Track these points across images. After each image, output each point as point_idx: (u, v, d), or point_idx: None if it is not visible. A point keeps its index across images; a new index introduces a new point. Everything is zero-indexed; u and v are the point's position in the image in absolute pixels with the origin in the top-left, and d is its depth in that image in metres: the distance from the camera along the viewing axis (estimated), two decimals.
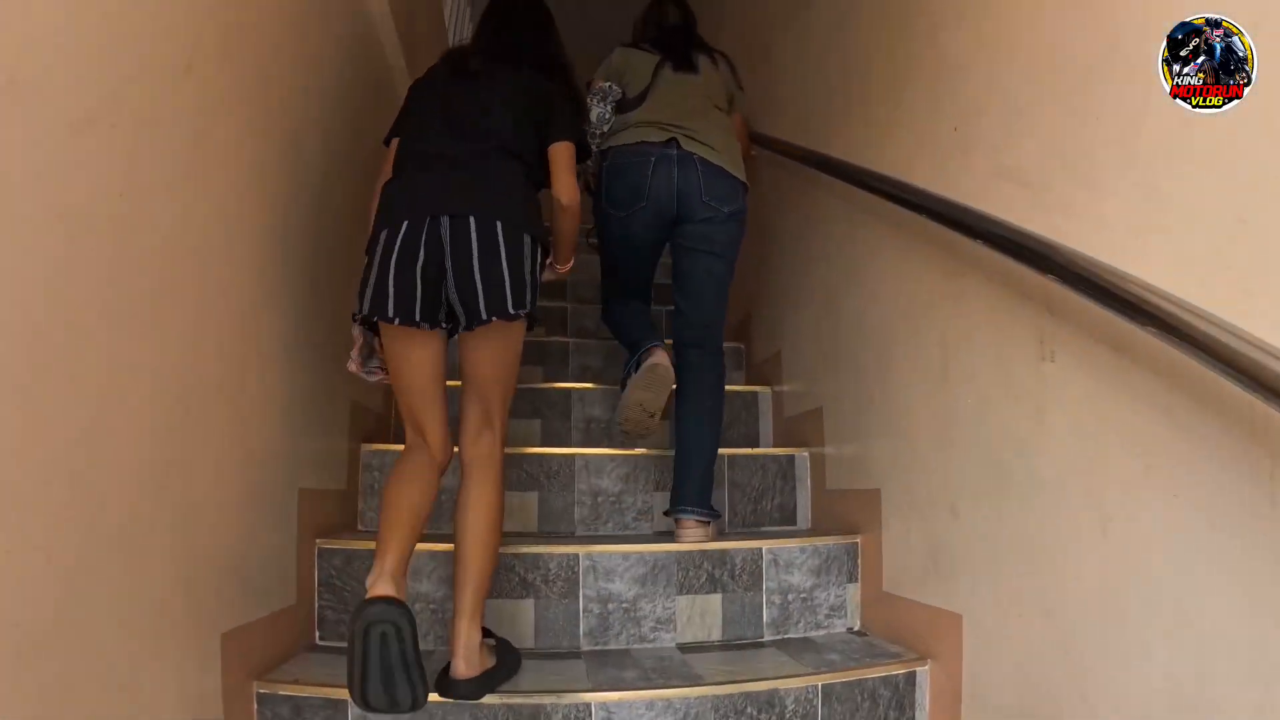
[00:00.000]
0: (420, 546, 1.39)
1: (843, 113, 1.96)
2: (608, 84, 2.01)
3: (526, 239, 1.43)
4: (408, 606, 1.21)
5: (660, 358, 1.88)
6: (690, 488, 1.84)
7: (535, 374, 2.57)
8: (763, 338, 2.65)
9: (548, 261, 1.65)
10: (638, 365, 1.88)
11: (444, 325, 1.44)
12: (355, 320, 1.48)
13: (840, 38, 2.01)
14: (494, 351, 1.44)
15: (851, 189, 1.78)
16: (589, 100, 1.96)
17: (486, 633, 1.43)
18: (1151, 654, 1.00)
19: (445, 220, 1.38)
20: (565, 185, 1.55)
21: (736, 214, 1.93)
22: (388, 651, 1.17)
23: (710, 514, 1.83)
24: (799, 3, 2.30)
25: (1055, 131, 1.19)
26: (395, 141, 1.57)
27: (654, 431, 1.99)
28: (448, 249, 1.38)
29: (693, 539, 1.78)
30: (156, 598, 1.02)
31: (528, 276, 1.42)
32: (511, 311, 1.38)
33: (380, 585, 1.23)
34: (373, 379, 1.56)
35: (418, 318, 1.38)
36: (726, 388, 2.00)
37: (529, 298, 1.42)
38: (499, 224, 1.39)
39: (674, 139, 1.88)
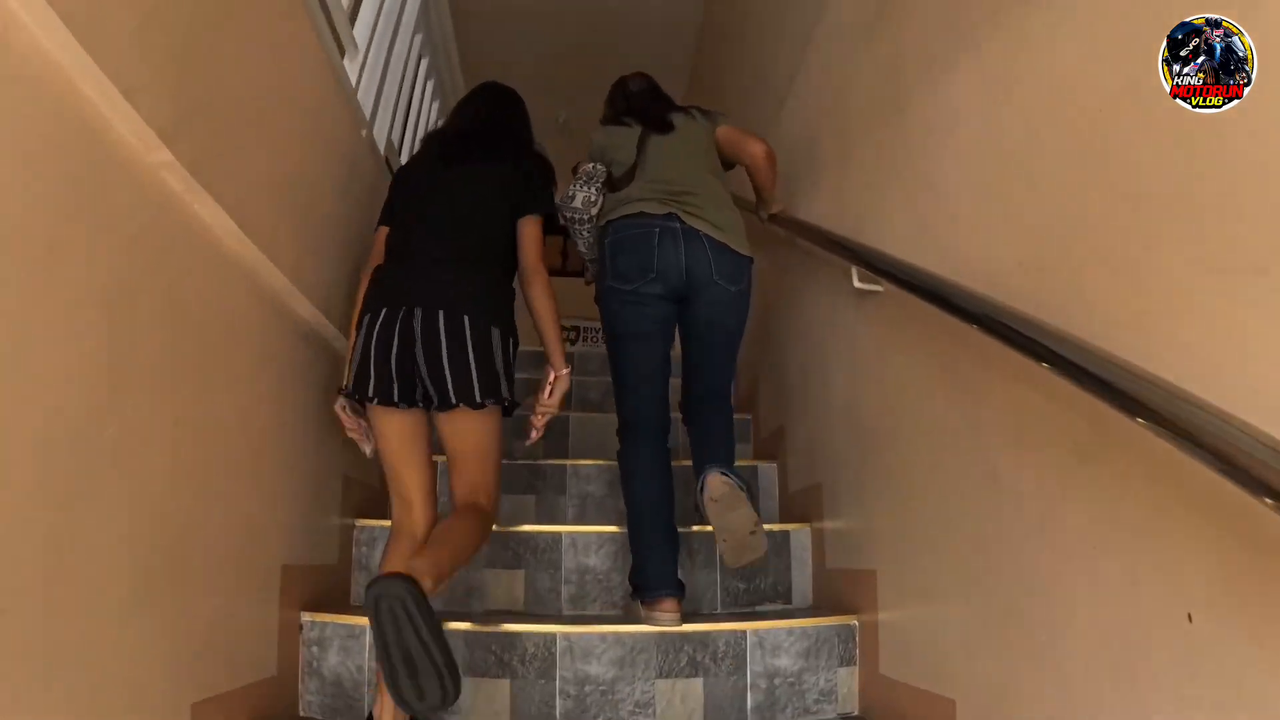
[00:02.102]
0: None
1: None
2: (592, 165, 1.99)
3: (495, 332, 1.53)
4: (418, 583, 1.20)
5: (668, 615, 1.68)
6: (715, 456, 1.82)
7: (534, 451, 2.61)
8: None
9: (549, 378, 1.67)
10: (640, 598, 1.74)
11: (421, 404, 1.53)
12: (340, 393, 1.60)
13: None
14: (467, 431, 1.55)
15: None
16: (574, 185, 1.95)
17: None
18: None
19: (418, 312, 1.50)
20: (530, 255, 1.65)
21: (744, 290, 1.91)
22: (401, 633, 1.17)
23: (739, 480, 1.76)
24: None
25: None
26: (383, 230, 1.69)
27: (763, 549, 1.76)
28: (418, 339, 1.49)
29: (722, 492, 1.72)
30: (127, 666, 1.05)
31: (499, 368, 1.52)
32: (479, 400, 1.49)
33: (391, 565, 1.37)
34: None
35: (395, 399, 1.50)
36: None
37: (500, 387, 1.51)
38: (466, 318, 1.50)
39: (673, 213, 1.86)
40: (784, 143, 2.25)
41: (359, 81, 2.17)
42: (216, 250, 1.27)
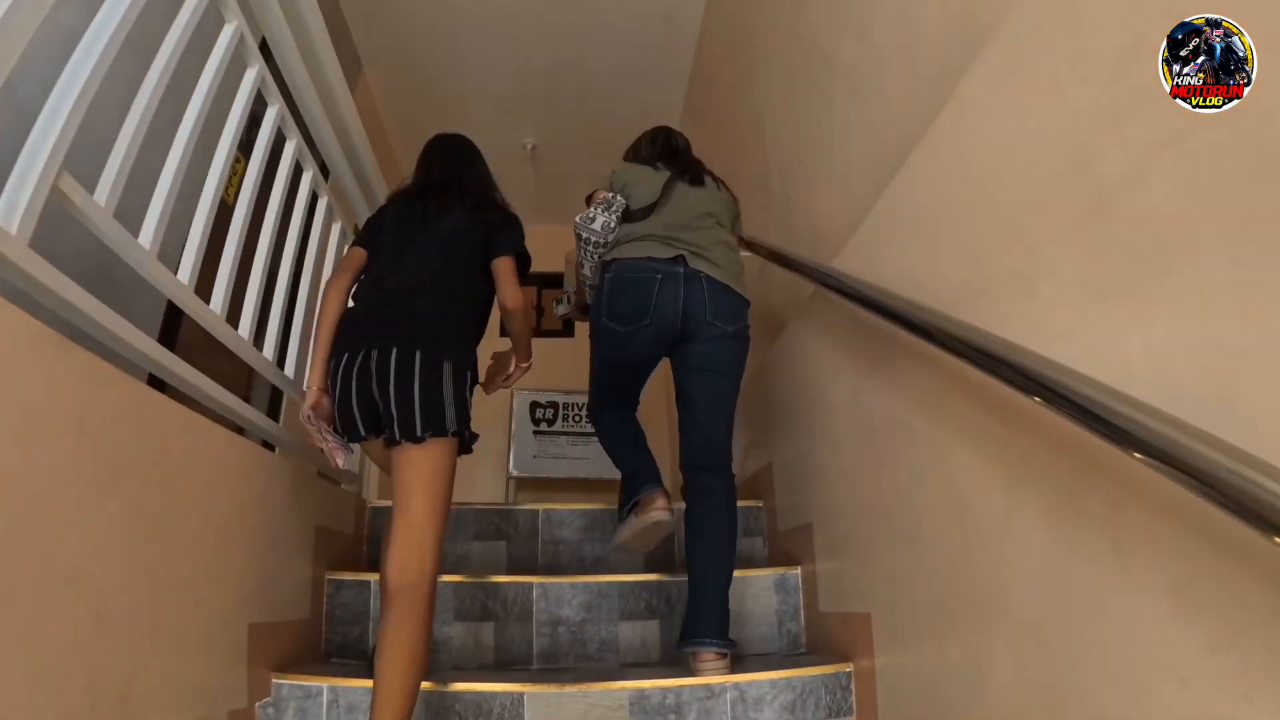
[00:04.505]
0: None
1: None
2: (612, 194, 2.00)
3: (447, 366, 1.54)
4: None
5: (660, 512, 1.78)
6: (707, 617, 1.74)
7: None
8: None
9: (517, 364, 1.91)
10: (634, 507, 1.77)
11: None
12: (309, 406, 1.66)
13: None
14: (414, 466, 1.49)
15: None
16: (594, 209, 1.96)
17: None
18: None
19: (375, 353, 1.56)
20: (509, 294, 1.75)
21: (741, 331, 1.91)
22: None
23: (728, 645, 1.72)
24: None
25: None
26: (360, 251, 1.79)
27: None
28: (374, 377, 1.55)
29: (712, 671, 1.68)
30: None
31: (447, 400, 1.52)
32: (419, 434, 1.48)
33: None
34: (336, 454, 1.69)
35: (362, 433, 1.61)
36: None
37: (447, 420, 1.51)
38: (417, 354, 1.53)
39: (681, 255, 1.87)
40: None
41: None
42: None
